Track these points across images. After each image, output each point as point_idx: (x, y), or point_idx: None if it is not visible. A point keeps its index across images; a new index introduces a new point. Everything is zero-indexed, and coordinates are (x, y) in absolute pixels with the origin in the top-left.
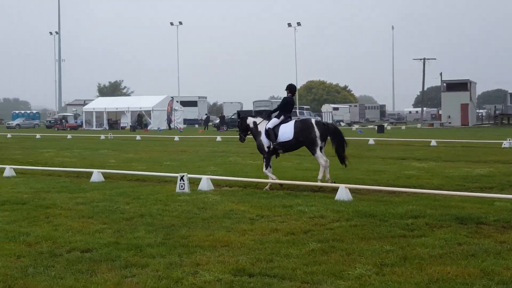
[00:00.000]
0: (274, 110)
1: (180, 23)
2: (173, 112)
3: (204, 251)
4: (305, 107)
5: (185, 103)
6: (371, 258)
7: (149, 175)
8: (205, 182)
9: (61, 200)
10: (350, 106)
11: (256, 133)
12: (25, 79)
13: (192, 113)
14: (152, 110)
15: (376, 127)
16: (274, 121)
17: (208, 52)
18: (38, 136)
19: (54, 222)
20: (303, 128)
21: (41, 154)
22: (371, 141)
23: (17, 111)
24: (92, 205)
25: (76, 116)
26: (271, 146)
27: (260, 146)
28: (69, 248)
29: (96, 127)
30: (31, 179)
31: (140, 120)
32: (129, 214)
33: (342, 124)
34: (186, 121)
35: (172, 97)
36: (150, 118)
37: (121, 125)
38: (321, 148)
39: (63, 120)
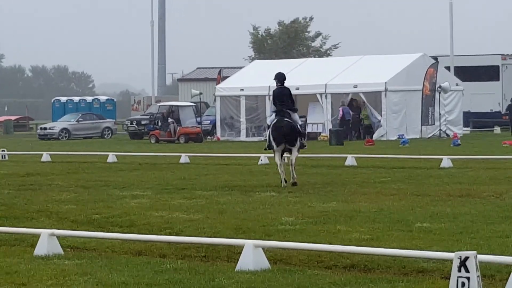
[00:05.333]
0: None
1: None
2: (438, 95)
3: None
4: None
5: (467, 73)
6: None
7: (379, 253)
8: None
9: None
10: None
11: None
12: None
13: (484, 96)
14: (385, 90)
15: None
16: (272, 118)
17: None
18: (111, 157)
19: None
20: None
21: (118, 202)
22: None
23: (63, 99)
24: None
25: (198, 108)
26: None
27: None
28: None
29: (250, 135)
30: (97, 264)
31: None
32: None
33: None
34: (470, 117)
35: (436, 59)
36: (380, 112)
37: (310, 130)
38: (286, 151)
39: (169, 119)
